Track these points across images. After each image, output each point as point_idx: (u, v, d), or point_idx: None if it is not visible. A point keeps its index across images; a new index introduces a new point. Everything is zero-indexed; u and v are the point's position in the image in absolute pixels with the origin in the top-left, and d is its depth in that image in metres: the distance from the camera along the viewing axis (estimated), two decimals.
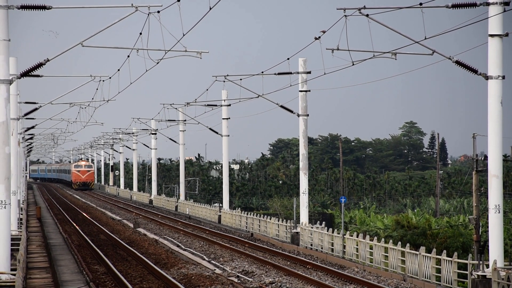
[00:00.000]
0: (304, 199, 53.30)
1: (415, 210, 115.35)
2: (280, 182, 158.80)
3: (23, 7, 32.34)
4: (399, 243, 40.21)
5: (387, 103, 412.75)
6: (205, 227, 65.93)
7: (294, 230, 53.45)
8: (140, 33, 37.61)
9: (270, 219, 59.24)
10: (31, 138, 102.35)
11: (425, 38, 33.89)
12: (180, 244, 49.97)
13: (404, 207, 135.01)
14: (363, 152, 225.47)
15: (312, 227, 51.24)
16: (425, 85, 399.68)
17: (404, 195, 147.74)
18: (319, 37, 39.09)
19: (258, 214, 68.68)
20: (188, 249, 47.37)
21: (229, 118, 73.72)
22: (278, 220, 57.93)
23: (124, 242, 49.50)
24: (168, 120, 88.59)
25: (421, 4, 32.83)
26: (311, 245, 50.54)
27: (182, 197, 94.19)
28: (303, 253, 47.97)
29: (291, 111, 54.29)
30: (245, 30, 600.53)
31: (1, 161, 31.95)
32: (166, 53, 41.17)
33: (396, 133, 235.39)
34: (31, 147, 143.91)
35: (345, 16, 35.58)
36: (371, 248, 42.34)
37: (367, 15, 35.19)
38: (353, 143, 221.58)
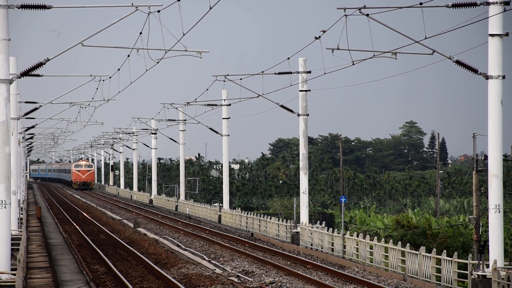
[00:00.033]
0: (304, 198, 53.29)
1: (415, 210, 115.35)
2: (280, 182, 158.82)
3: (23, 6, 32.33)
4: (399, 243, 40.19)
5: (387, 102, 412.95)
6: (205, 227, 65.93)
7: (294, 230, 53.44)
8: (140, 33, 37.61)
9: (270, 219, 59.23)
10: (31, 138, 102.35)
11: (425, 38, 33.89)
12: (180, 244, 49.96)
13: (404, 207, 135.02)
14: (363, 151, 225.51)
15: (312, 227, 51.23)
16: (425, 84, 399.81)
17: (404, 195, 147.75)
18: (319, 37, 39.08)
19: (258, 214, 68.69)
20: (188, 249, 47.37)
21: (229, 118, 73.73)
22: (278, 220, 57.92)
23: (124, 242, 49.49)
24: (168, 119, 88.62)
25: (421, 3, 32.82)
26: (311, 245, 50.54)
27: (182, 196, 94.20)
28: (303, 253, 47.97)
29: (291, 111, 54.29)
30: (245, 30, 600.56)
31: (1, 161, 31.94)
32: (166, 52, 41.17)
33: (396, 132, 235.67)
34: (31, 147, 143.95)
35: (345, 15, 35.57)
36: (371, 248, 42.33)
37: (367, 15, 35.18)
38: (353, 143, 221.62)
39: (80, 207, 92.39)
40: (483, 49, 34.66)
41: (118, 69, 47.76)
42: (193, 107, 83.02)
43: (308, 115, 53.46)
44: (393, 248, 39.80)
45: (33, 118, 68.57)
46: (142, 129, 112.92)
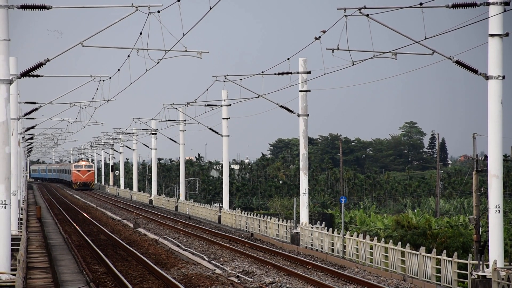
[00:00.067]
0: (304, 199, 53.29)
1: (415, 210, 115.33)
2: (280, 182, 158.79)
3: (23, 6, 32.34)
4: (399, 243, 40.20)
5: (387, 103, 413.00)
6: (205, 227, 65.93)
7: (294, 230, 53.44)
8: (140, 33, 37.62)
9: (270, 219, 59.23)
10: (31, 138, 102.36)
11: (425, 38, 33.90)
12: (180, 244, 49.96)
13: (404, 207, 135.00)
14: (363, 152, 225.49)
15: (312, 227, 51.24)
16: (425, 85, 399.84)
17: (404, 195, 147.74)
18: (319, 37, 39.08)
19: (258, 214, 68.66)
20: (188, 249, 47.37)
21: (229, 118, 73.72)
22: (278, 220, 57.92)
23: (124, 242, 49.49)
24: (168, 120, 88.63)
25: (421, 4, 32.83)
26: (311, 245, 50.54)
27: (182, 197, 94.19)
28: (303, 253, 47.97)
29: (291, 111, 54.29)
30: (245, 30, 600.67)
31: (1, 161, 31.95)
32: (166, 53, 41.17)
33: (396, 133, 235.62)
34: (31, 147, 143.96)
35: (345, 16, 35.58)
36: (371, 248, 42.34)
37: (367, 15, 35.19)
38: (353, 143, 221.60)
39: (80, 207, 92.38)
40: (483, 49, 34.68)
41: (118, 70, 47.77)
42: (193, 108, 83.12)
43: (308, 115, 53.46)
44: (393, 249, 39.80)
45: (33, 118, 68.60)
46: (142, 129, 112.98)
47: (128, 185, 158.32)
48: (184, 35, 37.69)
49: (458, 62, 34.31)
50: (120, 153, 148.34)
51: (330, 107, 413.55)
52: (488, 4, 32.64)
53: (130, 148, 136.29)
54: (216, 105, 73.65)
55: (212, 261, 41.34)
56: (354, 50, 37.28)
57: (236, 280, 34.45)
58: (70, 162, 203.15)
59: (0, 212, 31.97)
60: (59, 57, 34.74)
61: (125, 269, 37.95)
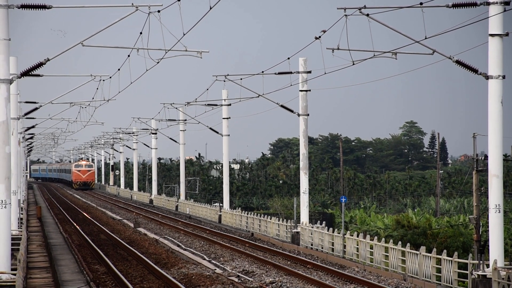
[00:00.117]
0: (304, 198, 53.30)
1: (416, 210, 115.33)
2: (281, 181, 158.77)
3: (23, 6, 32.34)
4: (400, 242, 40.20)
5: (387, 102, 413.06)
6: (206, 226, 65.94)
7: (295, 230, 53.45)
8: (141, 33, 37.62)
9: (271, 218, 59.24)
10: (31, 138, 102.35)
11: (426, 38, 33.90)
12: (180, 244, 49.97)
13: (404, 206, 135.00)
14: (364, 151, 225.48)
15: (312, 227, 51.24)
16: (426, 84, 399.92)
17: (405, 194, 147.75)
18: (320, 37, 39.08)
19: (259, 214, 68.69)
20: (188, 248, 47.37)
21: (230, 118, 73.73)
22: (279, 220, 57.92)
23: (124, 242, 49.50)
24: (169, 119, 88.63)
25: (421, 3, 32.83)
26: (312, 244, 50.54)
27: (182, 196, 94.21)
28: (304, 253, 47.97)
29: (292, 111, 54.30)
30: (245, 30, 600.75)
31: (1, 161, 31.95)
32: (166, 52, 41.17)
33: (397, 132, 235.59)
34: (32, 147, 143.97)
35: (346, 15, 35.57)
36: (371, 247, 42.34)
37: (367, 15, 35.18)
38: (353, 143, 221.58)
39: (80, 207, 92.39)
40: (483, 49, 34.68)
41: (118, 69, 47.78)
42: (193, 107, 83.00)
43: (308, 115, 53.46)
44: (393, 248, 39.81)
45: (33, 118, 68.59)
46: (142, 129, 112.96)
47: (128, 184, 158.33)
48: (184, 34, 37.72)
49: (458, 62, 34.31)
50: (120, 152, 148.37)
51: (330, 106, 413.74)
52: (488, 3, 32.64)
53: (130, 148, 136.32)
54: (216, 105, 73.67)
55: (213, 261, 41.34)
56: (354, 49, 37.30)
57: (236, 279, 34.45)
58: (70, 161, 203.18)
59: (0, 211, 31.97)
60: (59, 56, 34.75)
61: (125, 269, 37.96)
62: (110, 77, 49.51)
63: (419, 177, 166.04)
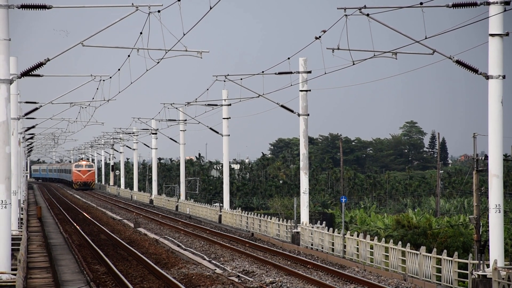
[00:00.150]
0: (304, 198, 53.29)
1: (416, 210, 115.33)
2: (281, 181, 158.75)
3: (23, 6, 32.33)
4: (400, 242, 40.20)
5: (387, 102, 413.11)
6: (206, 227, 65.94)
7: (295, 230, 53.45)
8: (141, 33, 37.62)
9: (271, 219, 59.24)
10: (31, 138, 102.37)
11: (426, 38, 33.89)
12: (180, 244, 49.97)
13: (404, 206, 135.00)
14: (364, 151, 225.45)
15: (312, 227, 51.24)
16: (426, 84, 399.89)
17: (405, 194, 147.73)
18: (320, 37, 39.07)
19: (259, 214, 68.67)
20: (188, 249, 47.37)
21: (230, 118, 73.72)
22: (279, 220, 57.92)
23: (124, 242, 49.50)
24: (169, 119, 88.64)
25: (421, 3, 32.82)
26: (312, 245, 50.54)
27: (182, 196, 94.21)
28: (304, 253, 47.97)
29: (292, 111, 54.30)
30: (245, 30, 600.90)
31: (1, 161, 31.95)
32: (166, 52, 41.17)
33: (397, 132, 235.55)
34: (32, 147, 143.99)
35: (346, 15, 35.57)
36: (371, 247, 42.33)
37: (367, 15, 35.18)
38: (353, 143, 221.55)
39: (80, 207, 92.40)
40: (483, 49, 34.68)
41: (119, 69, 47.77)
42: (193, 107, 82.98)
43: (308, 115, 53.46)
44: (393, 248, 39.81)
45: (33, 118, 68.60)
46: (143, 129, 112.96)
47: (129, 184, 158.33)
48: (184, 34, 37.72)
49: (459, 62, 34.31)
50: (121, 152, 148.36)
51: (331, 106, 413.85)
52: (488, 3, 32.64)
53: (130, 148, 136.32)
54: (216, 105, 73.67)
55: (213, 261, 41.34)
56: (354, 49, 37.30)
57: (236, 280, 34.45)
58: (70, 162, 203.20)
59: (1, 212, 31.97)
60: (59, 56, 34.75)
61: (125, 269, 37.95)
62: (110, 77, 49.51)
63: (419, 177, 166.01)
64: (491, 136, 33.25)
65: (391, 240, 41.82)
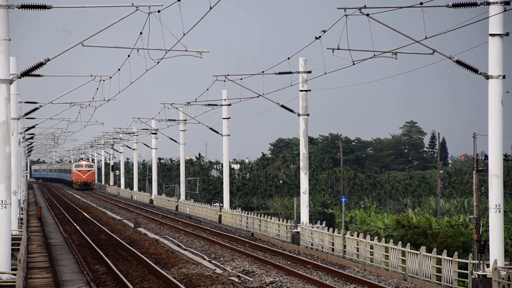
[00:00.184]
0: (304, 198, 53.30)
1: (416, 210, 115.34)
2: (281, 181, 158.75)
3: (23, 6, 32.33)
4: (400, 242, 40.20)
5: (387, 102, 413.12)
6: (206, 226, 65.94)
7: (295, 230, 53.45)
8: (141, 33, 37.62)
9: (271, 218, 59.24)
10: (31, 138, 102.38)
11: (426, 38, 33.89)
12: (180, 244, 49.97)
13: (404, 206, 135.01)
14: (364, 151, 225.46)
15: (312, 227, 51.24)
16: (426, 84, 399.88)
17: (405, 194, 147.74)
18: (320, 37, 39.07)
19: (259, 214, 68.66)
20: (188, 248, 47.37)
21: (230, 118, 73.72)
22: (279, 220, 57.92)
23: (124, 242, 49.50)
24: (169, 119, 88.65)
25: (421, 3, 32.82)
26: (312, 244, 50.54)
27: (182, 196, 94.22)
28: (304, 253, 47.97)
29: (292, 111, 54.30)
30: (245, 30, 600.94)
31: (1, 161, 31.95)
32: (166, 52, 41.17)
33: (397, 132, 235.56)
34: (32, 147, 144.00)
35: (346, 15, 35.57)
36: (371, 247, 42.33)
37: (367, 15, 35.18)
38: (353, 143, 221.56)
39: (80, 207, 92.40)
40: (483, 49, 34.68)
41: (119, 69, 47.77)
42: (193, 107, 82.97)
43: (308, 115, 53.46)
44: (393, 248, 39.81)
45: (33, 118, 68.61)
46: (143, 129, 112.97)
47: (129, 184, 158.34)
48: (184, 34, 37.72)
49: (459, 62, 34.31)
50: (121, 152, 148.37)
51: (331, 106, 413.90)
52: (488, 3, 32.64)
53: (130, 148, 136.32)
54: (216, 105, 73.67)
55: (213, 261, 41.35)
56: (355, 49, 37.30)
57: (236, 279, 34.46)
58: (70, 162, 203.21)
59: (1, 212, 31.97)
60: (59, 56, 34.75)
61: (125, 269, 37.96)
62: (110, 77, 49.51)
63: (419, 177, 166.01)
64: (491, 136, 33.25)
65: (391, 240, 41.83)
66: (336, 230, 48.04)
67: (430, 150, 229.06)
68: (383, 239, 42.48)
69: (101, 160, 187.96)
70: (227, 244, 49.86)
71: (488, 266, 33.07)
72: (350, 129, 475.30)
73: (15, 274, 30.19)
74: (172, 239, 52.98)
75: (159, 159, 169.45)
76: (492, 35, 32.95)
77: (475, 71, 33.75)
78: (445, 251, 36.94)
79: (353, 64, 37.93)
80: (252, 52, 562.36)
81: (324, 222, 55.74)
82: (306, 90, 53.10)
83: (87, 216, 75.48)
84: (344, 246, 45.85)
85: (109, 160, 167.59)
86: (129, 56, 43.00)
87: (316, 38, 39.11)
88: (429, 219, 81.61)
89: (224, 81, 58.86)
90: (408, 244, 39.35)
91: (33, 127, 73.17)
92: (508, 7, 32.54)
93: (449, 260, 35.12)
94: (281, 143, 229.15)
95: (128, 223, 67.59)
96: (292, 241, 53.40)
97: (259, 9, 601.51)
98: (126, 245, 47.30)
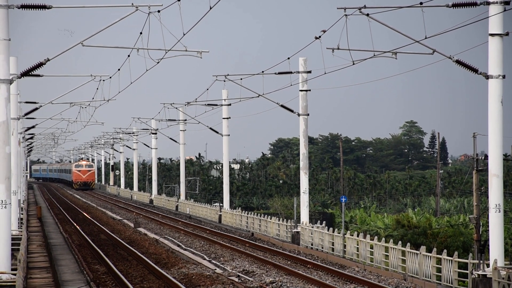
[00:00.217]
0: (304, 198, 53.30)
1: (416, 210, 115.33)
2: (281, 181, 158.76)
3: (23, 6, 32.33)
4: (400, 242, 40.21)
5: (387, 102, 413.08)
6: (206, 226, 65.94)
7: (295, 230, 53.46)
8: (141, 33, 37.62)
9: (271, 218, 59.24)
10: (31, 138, 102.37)
11: (426, 38, 33.89)
12: (180, 244, 49.98)
13: (404, 206, 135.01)
14: (364, 151, 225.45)
15: (312, 227, 51.25)
16: (426, 84, 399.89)
17: (405, 194, 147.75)
18: (320, 37, 39.07)
19: (259, 214, 68.68)
20: (188, 248, 47.38)
21: (230, 118, 73.72)
22: (279, 220, 57.93)
23: (124, 242, 49.51)
24: (169, 119, 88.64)
25: (421, 3, 32.82)
26: (312, 244, 50.55)
27: (182, 196, 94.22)
28: (304, 253, 47.97)
29: (292, 111, 54.30)
30: (244, 30, 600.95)
31: (1, 161, 31.96)
32: (166, 52, 41.17)
33: (397, 132, 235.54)
34: (32, 147, 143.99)
35: (345, 15, 35.57)
36: (371, 247, 42.34)
37: (367, 15, 35.18)
38: (353, 143, 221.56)
39: (80, 207, 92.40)
40: (483, 48, 34.68)
41: (118, 69, 47.78)
42: (193, 107, 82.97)
43: (308, 115, 53.46)
44: (393, 248, 39.81)
45: (33, 118, 68.60)
46: (142, 129, 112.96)
47: (129, 184, 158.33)
48: (184, 34, 37.72)
49: (458, 62, 34.31)
50: (121, 152, 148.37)
51: (330, 106, 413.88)
52: (488, 3, 32.64)
53: (130, 148, 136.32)
54: (216, 105, 73.67)
55: (213, 261, 41.35)
56: (354, 49, 37.29)
57: (236, 279, 34.46)
58: (70, 162, 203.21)
59: (1, 212, 31.98)
60: (59, 56, 34.75)
61: (125, 269, 37.96)
62: (110, 77, 49.52)
63: (419, 177, 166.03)
64: (491, 136, 33.26)
65: (391, 240, 41.83)
66: (336, 230, 48.05)
67: (430, 150, 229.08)
68: (383, 239, 42.49)
69: (101, 160, 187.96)
70: (227, 244, 49.87)
71: (488, 266, 33.08)
72: (350, 129, 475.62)
73: (15, 274, 30.20)
74: (172, 239, 52.99)
75: (159, 159, 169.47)
76: (492, 35, 32.96)
77: (475, 71, 33.75)
78: (445, 251, 36.95)
79: (353, 64, 37.93)
80: (252, 52, 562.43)
81: (324, 222, 55.73)
82: (306, 90, 53.11)
83: (87, 216, 75.48)
84: (344, 246, 45.86)
85: (109, 160, 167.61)
86: (129, 56, 43.02)
87: (316, 38, 39.11)
88: (429, 219, 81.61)
89: (224, 81, 58.89)
90: (408, 244, 39.35)
91: (33, 127, 73.17)
92: (508, 7, 32.55)
93: (449, 260, 35.12)
94: (281, 143, 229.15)
95: (128, 223, 67.59)
96: (292, 241, 53.40)
97: (259, 9, 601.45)
98: (126, 245, 47.31)
